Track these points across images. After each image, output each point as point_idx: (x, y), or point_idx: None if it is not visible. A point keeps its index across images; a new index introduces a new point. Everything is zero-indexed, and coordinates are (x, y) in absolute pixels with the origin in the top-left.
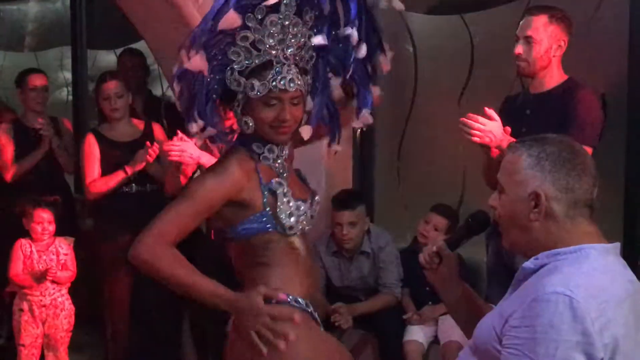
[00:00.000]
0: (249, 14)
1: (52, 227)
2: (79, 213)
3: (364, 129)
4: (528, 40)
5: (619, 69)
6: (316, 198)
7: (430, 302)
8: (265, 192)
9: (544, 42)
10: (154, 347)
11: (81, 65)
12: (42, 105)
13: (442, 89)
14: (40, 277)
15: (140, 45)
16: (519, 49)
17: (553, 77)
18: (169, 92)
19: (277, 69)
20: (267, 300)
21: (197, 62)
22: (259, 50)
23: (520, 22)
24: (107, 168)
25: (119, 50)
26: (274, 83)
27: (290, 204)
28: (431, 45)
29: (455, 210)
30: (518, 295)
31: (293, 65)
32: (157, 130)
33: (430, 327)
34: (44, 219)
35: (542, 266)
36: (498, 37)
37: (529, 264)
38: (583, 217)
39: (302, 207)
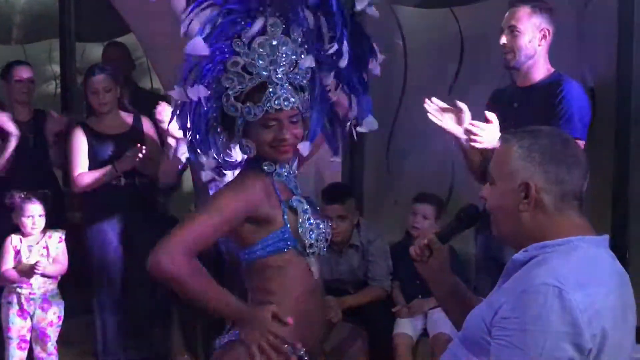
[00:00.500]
0: (236, 40)
1: (42, 221)
2: (67, 206)
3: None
4: (512, 31)
5: (608, 64)
6: (329, 223)
7: (420, 296)
8: (285, 209)
9: (528, 32)
10: (143, 340)
11: (69, 58)
12: (27, 96)
13: (431, 83)
14: (29, 272)
15: (129, 38)
16: (504, 39)
17: (539, 70)
18: (157, 85)
19: (271, 89)
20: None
21: (196, 92)
22: (250, 73)
23: (505, 14)
24: (95, 161)
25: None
26: (269, 104)
27: (311, 221)
28: (421, 39)
29: (437, 196)
30: (507, 287)
31: (287, 84)
32: (146, 123)
33: (420, 320)
34: (34, 213)
35: (531, 258)
36: (487, 30)
37: (518, 256)
38: (572, 209)
39: (321, 226)
